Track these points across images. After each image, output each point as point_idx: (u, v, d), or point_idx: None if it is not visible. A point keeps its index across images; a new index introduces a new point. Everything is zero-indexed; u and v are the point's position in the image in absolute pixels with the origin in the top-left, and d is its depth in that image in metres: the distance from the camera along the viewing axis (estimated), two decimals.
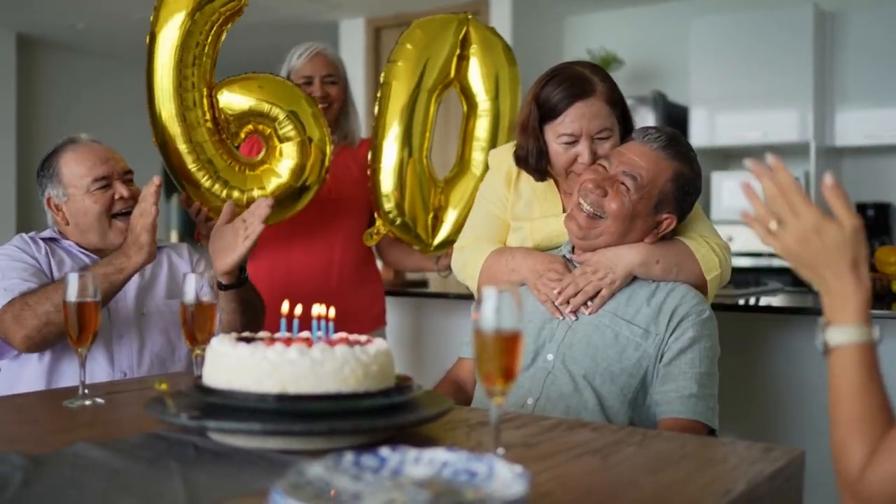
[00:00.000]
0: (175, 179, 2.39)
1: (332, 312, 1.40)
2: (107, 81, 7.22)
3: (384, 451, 0.98)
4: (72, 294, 1.57)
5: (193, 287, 1.55)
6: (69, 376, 1.99)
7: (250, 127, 2.45)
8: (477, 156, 2.59)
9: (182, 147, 2.32)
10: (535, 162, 1.94)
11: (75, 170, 2.09)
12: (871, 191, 5.11)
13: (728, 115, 5.15)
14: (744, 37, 5.08)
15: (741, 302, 2.61)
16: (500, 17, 5.63)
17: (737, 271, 5.14)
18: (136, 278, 2.10)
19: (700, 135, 5.18)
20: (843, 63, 4.98)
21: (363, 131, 2.92)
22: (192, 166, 2.34)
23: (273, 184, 2.42)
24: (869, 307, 1.08)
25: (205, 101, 2.35)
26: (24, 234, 2.12)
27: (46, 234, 2.14)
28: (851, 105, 4.97)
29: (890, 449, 0.99)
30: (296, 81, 2.59)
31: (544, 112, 1.89)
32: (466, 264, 2.04)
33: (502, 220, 2.05)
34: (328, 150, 2.48)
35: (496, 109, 2.58)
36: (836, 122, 5.02)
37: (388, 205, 2.56)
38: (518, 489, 0.86)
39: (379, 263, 2.96)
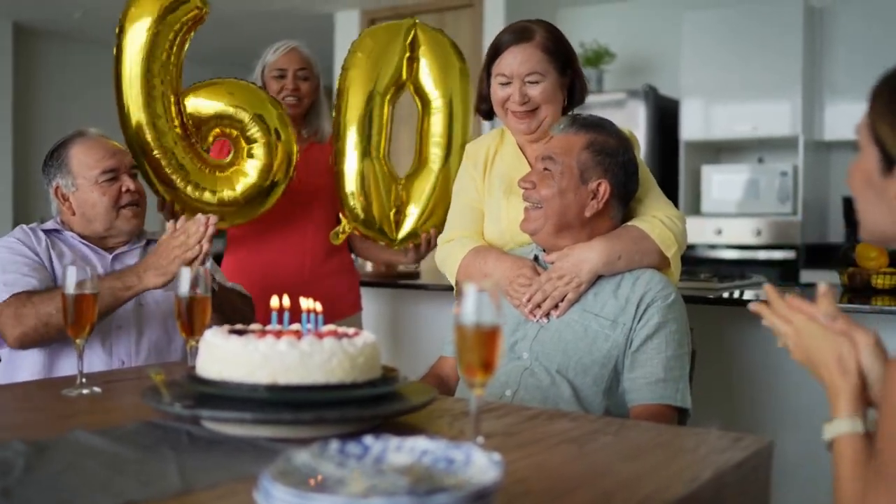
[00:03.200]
0: (149, 184, 2.49)
1: (318, 306, 1.45)
2: (104, 71, 7.22)
3: (368, 439, 1.04)
4: (70, 286, 1.62)
5: (188, 280, 1.60)
6: (68, 365, 2.05)
7: (217, 130, 2.57)
8: (434, 151, 2.71)
9: (155, 153, 2.44)
10: (479, 103, 2.15)
11: (84, 161, 2.16)
12: None
13: (719, 109, 5.20)
14: (734, 31, 5.13)
15: (725, 295, 2.67)
16: (494, 11, 5.67)
17: (723, 263, 5.21)
18: None
19: (691, 128, 5.23)
20: (831, 58, 5.03)
21: None
22: (166, 170, 2.45)
23: (242, 184, 2.54)
24: (859, 402, 1.17)
25: (172, 108, 2.46)
26: (24, 226, 2.17)
27: (48, 225, 2.19)
28: (840, 99, 5.02)
29: (872, 485, 1.06)
30: (270, 75, 2.73)
31: (490, 55, 2.07)
32: (446, 259, 2.12)
33: (478, 210, 2.14)
34: (294, 149, 2.59)
35: (449, 106, 2.69)
36: (826, 116, 5.07)
37: (352, 203, 2.67)
38: (492, 475, 0.92)
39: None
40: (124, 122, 2.45)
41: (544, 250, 1.96)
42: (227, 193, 2.51)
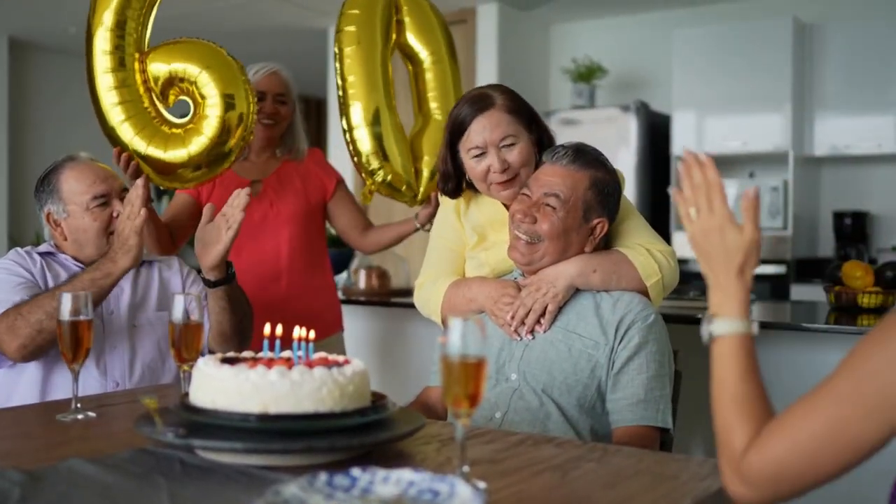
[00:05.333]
0: (107, 136, 2.47)
1: (312, 334, 1.48)
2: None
3: (355, 471, 1.07)
4: (65, 312, 1.65)
5: (182, 307, 1.63)
6: (64, 386, 2.07)
7: (176, 89, 2.53)
8: (434, 105, 2.78)
9: (110, 102, 2.42)
10: (444, 182, 2.09)
11: (75, 187, 2.18)
12: (848, 200, 5.23)
13: (709, 125, 5.25)
14: (725, 47, 5.18)
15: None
16: (487, 26, 5.72)
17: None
18: (128, 293, 2.19)
19: (682, 143, 5.28)
20: (820, 73, 5.09)
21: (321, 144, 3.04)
22: (118, 122, 2.43)
23: (195, 143, 2.46)
24: (748, 307, 1.19)
25: (136, 64, 2.45)
26: (19, 249, 2.19)
27: (43, 248, 2.22)
28: (829, 114, 5.08)
29: (770, 433, 1.08)
30: None
31: (453, 132, 2.04)
32: (428, 301, 2.13)
33: (458, 252, 2.15)
34: (251, 111, 2.52)
35: (439, 60, 2.77)
36: (815, 131, 5.12)
37: (374, 163, 2.66)
38: None
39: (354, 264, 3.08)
40: (91, 76, 2.44)
41: (523, 275, 1.99)
42: (177, 153, 2.45)
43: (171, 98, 2.55)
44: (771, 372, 2.52)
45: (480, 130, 1.98)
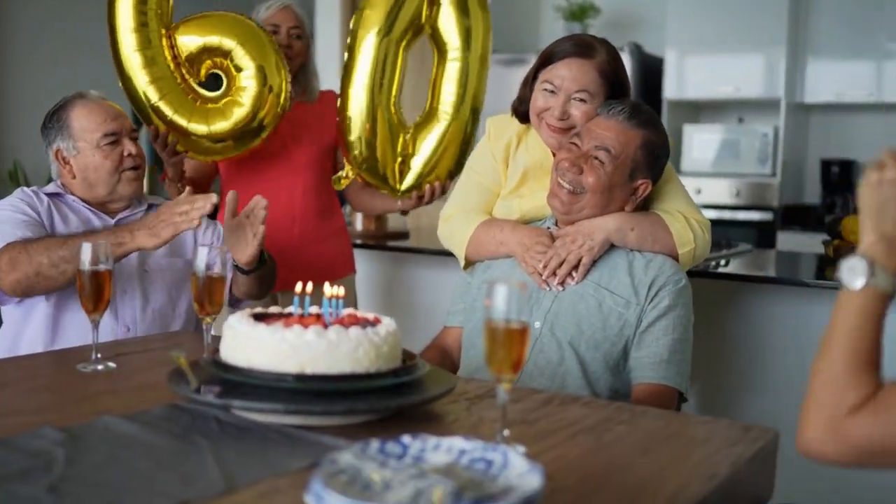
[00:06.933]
0: (141, 115, 2.50)
1: (341, 291, 1.47)
2: (70, 17, 7.06)
3: (406, 438, 1.07)
4: (85, 262, 1.62)
5: (205, 259, 1.61)
6: (74, 329, 2.06)
7: (209, 63, 2.54)
8: (446, 102, 2.65)
9: (144, 81, 2.44)
10: (519, 103, 2.05)
11: (86, 124, 2.13)
12: (836, 148, 5.24)
13: (702, 69, 5.21)
14: None
15: (713, 264, 2.72)
16: None
17: None
18: None
19: (673, 87, 5.25)
20: (816, 21, 5.05)
21: (327, 86, 2.97)
22: (155, 101, 2.46)
23: (235, 116, 2.51)
24: None
25: (164, 40, 2.46)
26: (26, 188, 2.15)
27: (50, 188, 2.18)
28: (821, 61, 5.06)
29: (889, 406, 1.05)
30: None
31: (543, 61, 1.99)
32: (454, 234, 2.10)
33: (492, 190, 2.11)
34: (285, 84, 2.56)
35: (466, 59, 2.63)
36: (808, 78, 5.11)
37: (357, 150, 2.63)
38: (534, 483, 0.96)
39: (347, 209, 3.06)
40: (115, 52, 2.44)
41: (556, 224, 1.98)
42: (219, 126, 2.50)
43: (203, 72, 2.55)
44: (771, 329, 2.57)
45: (564, 72, 1.93)
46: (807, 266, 3.06)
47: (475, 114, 2.67)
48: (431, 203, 2.73)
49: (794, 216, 5.09)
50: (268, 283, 2.25)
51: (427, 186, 2.68)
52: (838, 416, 1.06)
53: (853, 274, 1.11)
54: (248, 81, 2.50)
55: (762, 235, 4.94)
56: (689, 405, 2.75)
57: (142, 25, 2.42)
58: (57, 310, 2.07)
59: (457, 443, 1.08)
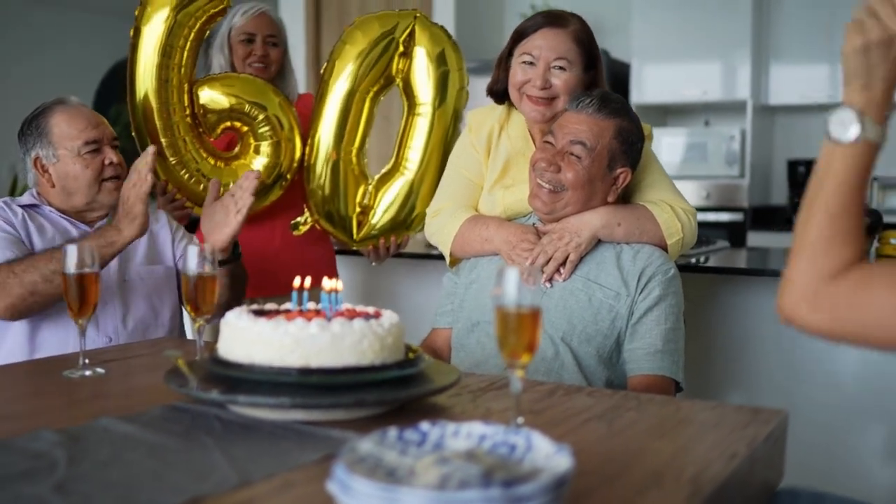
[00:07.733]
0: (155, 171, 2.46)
1: (340, 285, 1.44)
2: (61, 31, 6.96)
3: (424, 425, 1.04)
4: (71, 265, 1.57)
5: (196, 259, 1.57)
6: (52, 342, 2.00)
7: (228, 123, 2.54)
8: (412, 157, 2.59)
9: (162, 141, 2.43)
10: (494, 83, 2.07)
11: (66, 131, 2.07)
12: (802, 148, 5.31)
13: (668, 73, 5.25)
14: None
15: (693, 261, 2.73)
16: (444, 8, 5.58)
17: None
18: None
19: (640, 92, 5.28)
20: (777, 23, 5.12)
21: (302, 88, 2.93)
22: (171, 160, 2.45)
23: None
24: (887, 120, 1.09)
25: (185, 97, 2.46)
26: None
27: (25, 199, 2.11)
28: (785, 63, 5.13)
29: (880, 275, 1.00)
30: (237, 39, 2.64)
31: (516, 37, 2.01)
32: (440, 230, 2.08)
33: (476, 184, 2.10)
34: (297, 140, 2.58)
35: (434, 113, 2.57)
36: (771, 80, 5.17)
37: (316, 197, 2.60)
38: (564, 463, 0.93)
39: None
40: (133, 106, 2.44)
41: (541, 221, 1.96)
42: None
43: (218, 131, 2.55)
44: (755, 319, 2.57)
45: (541, 42, 1.96)
46: (780, 261, 3.07)
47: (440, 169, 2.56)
48: (387, 258, 2.70)
49: (764, 216, 5.13)
50: (240, 286, 2.19)
51: (382, 242, 2.64)
52: (817, 281, 1.02)
53: (843, 127, 1.07)
54: (265, 148, 2.53)
55: (733, 236, 4.97)
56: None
57: (163, 83, 2.43)
58: (33, 326, 2.01)
59: (476, 428, 1.04)
